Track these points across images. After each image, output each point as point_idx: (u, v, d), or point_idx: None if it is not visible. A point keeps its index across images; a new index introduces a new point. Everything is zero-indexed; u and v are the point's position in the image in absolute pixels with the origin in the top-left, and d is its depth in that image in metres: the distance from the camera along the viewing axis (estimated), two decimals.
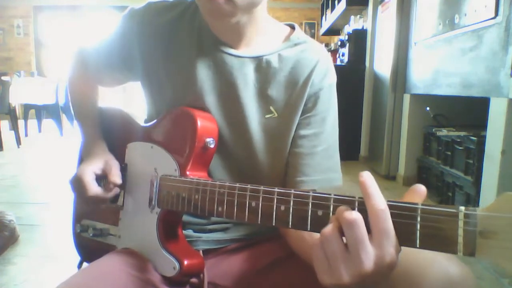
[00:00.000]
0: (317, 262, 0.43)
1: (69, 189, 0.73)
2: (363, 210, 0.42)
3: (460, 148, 2.21)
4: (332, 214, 0.45)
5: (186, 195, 0.61)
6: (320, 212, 0.46)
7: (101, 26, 7.88)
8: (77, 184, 0.71)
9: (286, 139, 0.72)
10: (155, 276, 0.66)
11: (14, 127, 4.61)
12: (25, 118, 5.64)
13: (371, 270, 0.40)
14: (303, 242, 0.63)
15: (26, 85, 5.53)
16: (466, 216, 0.37)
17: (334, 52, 5.25)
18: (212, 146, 0.67)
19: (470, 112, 2.55)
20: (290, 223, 0.48)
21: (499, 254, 0.35)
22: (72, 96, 0.86)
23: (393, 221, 0.41)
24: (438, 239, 0.38)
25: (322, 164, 0.72)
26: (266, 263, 0.72)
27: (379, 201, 0.41)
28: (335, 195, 0.45)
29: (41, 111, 5.90)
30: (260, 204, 0.51)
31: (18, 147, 4.59)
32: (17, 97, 5.06)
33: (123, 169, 0.75)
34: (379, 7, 3.41)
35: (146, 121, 0.79)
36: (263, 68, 0.71)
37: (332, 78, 0.74)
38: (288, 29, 0.76)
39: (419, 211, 0.39)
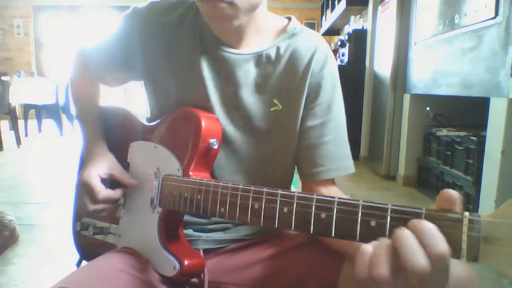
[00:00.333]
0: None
1: (75, 193, 0.73)
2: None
3: (460, 148, 2.21)
4: (336, 216, 0.45)
5: (189, 195, 0.61)
6: (323, 215, 0.46)
7: (101, 26, 7.88)
8: (85, 188, 0.71)
9: (293, 130, 0.72)
10: (154, 276, 0.66)
11: (14, 127, 4.61)
12: (25, 118, 5.64)
13: None
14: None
15: (26, 85, 5.53)
16: (470, 221, 0.37)
17: (334, 52, 5.21)
18: (215, 147, 0.67)
19: (470, 112, 2.56)
20: (293, 225, 0.48)
21: (504, 261, 0.35)
22: (73, 96, 0.86)
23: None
24: None
25: (335, 153, 0.72)
26: (266, 263, 0.72)
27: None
28: (339, 198, 0.45)
29: (41, 111, 5.89)
30: (263, 206, 0.51)
31: (18, 147, 4.59)
32: (17, 97, 5.07)
33: (125, 168, 0.75)
34: (379, 7, 3.42)
35: (148, 120, 0.79)
36: (263, 63, 0.71)
37: (332, 65, 0.74)
38: (285, 21, 0.77)
39: (423, 216, 0.39)
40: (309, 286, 0.67)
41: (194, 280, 0.70)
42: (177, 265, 0.64)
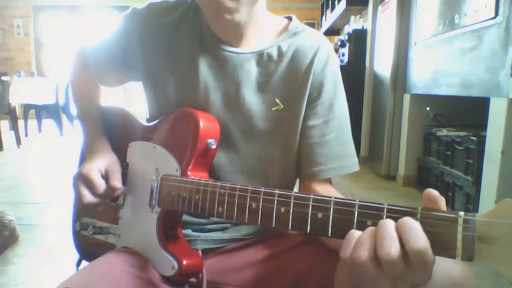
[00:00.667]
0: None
1: (73, 188, 0.73)
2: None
3: (460, 148, 2.21)
4: (332, 216, 0.45)
5: (187, 195, 0.62)
6: (320, 215, 0.46)
7: (101, 26, 7.89)
8: (84, 182, 0.70)
9: (295, 130, 0.72)
10: (154, 275, 0.66)
11: (14, 127, 4.61)
12: (25, 118, 5.65)
13: None
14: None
15: (26, 85, 5.54)
16: (465, 221, 0.37)
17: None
18: (213, 147, 0.67)
19: (470, 112, 2.55)
20: (290, 225, 0.48)
21: (499, 260, 0.35)
22: (74, 96, 0.87)
23: None
24: (437, 243, 0.38)
25: (336, 151, 0.72)
26: (266, 263, 0.72)
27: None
28: (335, 198, 0.45)
29: (41, 111, 5.90)
30: (261, 206, 0.51)
31: (18, 147, 4.59)
32: (17, 97, 5.07)
33: (124, 168, 0.76)
34: (379, 7, 3.41)
35: (148, 121, 0.79)
36: (264, 62, 0.71)
37: (334, 64, 0.74)
38: (286, 20, 0.77)
39: (418, 216, 0.40)
40: (308, 285, 0.67)
41: (193, 280, 0.70)
42: (176, 265, 0.64)
